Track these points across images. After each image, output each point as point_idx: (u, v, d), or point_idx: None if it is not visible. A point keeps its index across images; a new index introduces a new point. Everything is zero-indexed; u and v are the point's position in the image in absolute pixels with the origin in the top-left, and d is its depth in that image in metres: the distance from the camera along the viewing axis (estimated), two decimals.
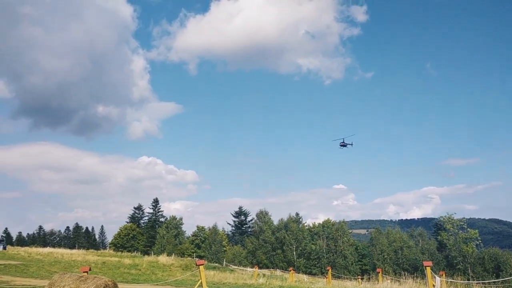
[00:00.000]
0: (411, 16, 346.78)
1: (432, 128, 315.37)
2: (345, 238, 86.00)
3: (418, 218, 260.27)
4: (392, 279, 27.59)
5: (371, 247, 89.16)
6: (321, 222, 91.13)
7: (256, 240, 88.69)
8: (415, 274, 27.49)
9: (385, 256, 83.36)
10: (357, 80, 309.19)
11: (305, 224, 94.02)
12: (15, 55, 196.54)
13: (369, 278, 32.92)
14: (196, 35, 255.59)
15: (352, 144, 70.57)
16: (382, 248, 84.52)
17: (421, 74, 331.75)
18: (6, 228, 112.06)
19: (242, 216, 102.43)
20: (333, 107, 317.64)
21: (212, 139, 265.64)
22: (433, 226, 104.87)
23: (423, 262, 14.70)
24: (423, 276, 18.28)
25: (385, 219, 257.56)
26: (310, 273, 71.59)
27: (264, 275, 36.75)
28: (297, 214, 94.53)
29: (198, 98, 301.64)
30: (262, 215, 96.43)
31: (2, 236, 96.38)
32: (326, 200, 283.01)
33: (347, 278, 45.36)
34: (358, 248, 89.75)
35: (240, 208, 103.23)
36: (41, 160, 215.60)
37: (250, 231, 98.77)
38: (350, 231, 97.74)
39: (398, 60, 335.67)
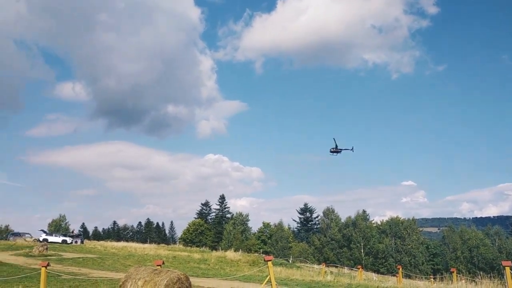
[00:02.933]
0: (486, 2, 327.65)
1: (509, 122, 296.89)
2: (415, 236, 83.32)
3: (494, 216, 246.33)
4: (467, 279, 26.33)
5: (443, 245, 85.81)
6: (390, 220, 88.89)
7: (323, 237, 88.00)
8: (491, 274, 26.08)
9: (459, 255, 79.90)
10: (428, 74, 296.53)
11: (373, 222, 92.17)
12: (92, 60, 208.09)
13: (442, 278, 31.65)
14: (262, 34, 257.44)
15: (352, 149, 64.86)
16: (455, 247, 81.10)
17: (496, 66, 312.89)
18: (83, 223, 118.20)
19: (308, 213, 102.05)
20: (401, 102, 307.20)
21: (277, 136, 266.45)
22: (510, 224, 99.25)
23: (502, 262, 13.86)
24: (501, 276, 17.31)
25: (458, 217, 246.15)
26: (378, 272, 69.99)
27: (331, 272, 36.38)
28: (364, 212, 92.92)
29: (263, 96, 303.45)
30: (329, 212, 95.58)
31: (79, 230, 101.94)
32: (394, 197, 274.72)
33: (418, 278, 43.91)
34: (429, 247, 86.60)
35: (305, 205, 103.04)
36: (115, 158, 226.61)
37: (316, 228, 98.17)
38: (420, 229, 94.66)
39: (472, 51, 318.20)
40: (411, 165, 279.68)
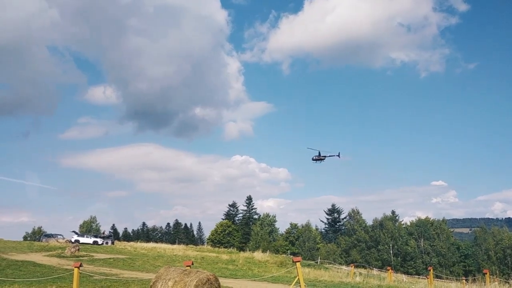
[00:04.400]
0: None
1: None
2: (446, 237, 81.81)
3: None
4: (500, 280, 25.72)
5: (475, 246, 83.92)
6: (419, 220, 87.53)
7: (350, 238, 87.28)
8: None
9: (491, 256, 78.05)
10: (459, 73, 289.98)
11: (402, 223, 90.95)
12: (122, 63, 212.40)
13: (474, 280, 30.99)
14: (289, 35, 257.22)
15: (339, 155, 63.58)
16: (488, 248, 79.23)
17: None
18: (114, 224, 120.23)
19: (335, 214, 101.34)
20: (430, 101, 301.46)
21: (303, 137, 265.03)
22: None
23: None
24: None
25: (491, 217, 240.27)
26: (407, 273, 68.93)
27: (360, 273, 36.04)
28: (393, 212, 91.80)
29: (290, 96, 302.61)
30: (354, 214, 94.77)
31: (110, 232, 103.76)
32: (424, 197, 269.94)
33: (449, 279, 43.08)
34: (461, 247, 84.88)
35: (333, 205, 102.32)
36: (144, 160, 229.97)
37: (344, 229, 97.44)
38: (451, 230, 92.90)
39: (503, 48, 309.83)
40: (441, 164, 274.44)
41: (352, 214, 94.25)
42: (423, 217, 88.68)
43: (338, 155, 64.15)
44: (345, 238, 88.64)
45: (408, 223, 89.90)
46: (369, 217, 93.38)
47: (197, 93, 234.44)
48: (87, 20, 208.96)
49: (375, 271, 53.24)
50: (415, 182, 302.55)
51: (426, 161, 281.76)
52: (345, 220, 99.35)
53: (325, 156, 63.29)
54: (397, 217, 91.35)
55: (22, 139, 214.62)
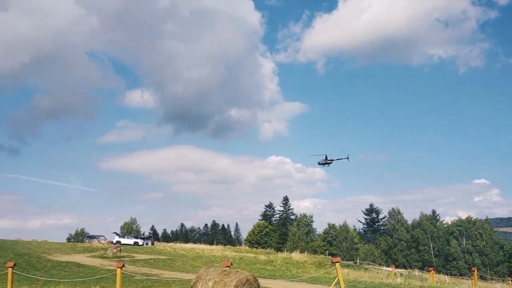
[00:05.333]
0: None
1: None
2: (489, 236, 79.30)
3: None
4: None
5: None
6: (460, 220, 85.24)
7: (390, 239, 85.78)
8: None
9: None
10: (500, 67, 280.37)
11: (443, 222, 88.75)
12: (159, 67, 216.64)
13: None
14: (323, 34, 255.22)
15: (348, 158, 62.72)
16: None
17: None
18: (153, 225, 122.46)
19: (374, 214, 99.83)
20: (470, 97, 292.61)
21: (338, 136, 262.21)
22: None
23: None
24: None
25: None
26: (449, 274, 67.22)
27: (401, 274, 35.37)
28: (433, 212, 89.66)
29: (325, 96, 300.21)
30: (394, 213, 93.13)
31: (149, 233, 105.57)
32: (465, 196, 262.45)
33: (494, 280, 41.77)
34: (505, 247, 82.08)
35: (371, 205, 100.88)
36: (181, 162, 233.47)
37: (383, 229, 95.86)
38: (495, 229, 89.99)
39: None
40: (482, 162, 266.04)
41: (392, 214, 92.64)
42: (464, 216, 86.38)
43: (347, 158, 63.82)
44: (385, 238, 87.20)
45: (449, 223, 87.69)
46: (408, 217, 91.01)
47: (232, 95, 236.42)
48: (125, 26, 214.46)
49: (416, 272, 52.18)
50: (456, 180, 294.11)
51: (467, 159, 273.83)
52: (384, 220, 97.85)
53: (332, 160, 63.46)
54: (437, 217, 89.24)
55: (65, 144, 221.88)
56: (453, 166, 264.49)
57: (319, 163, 64.25)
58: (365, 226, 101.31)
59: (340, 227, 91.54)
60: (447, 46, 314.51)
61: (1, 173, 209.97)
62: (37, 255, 34.26)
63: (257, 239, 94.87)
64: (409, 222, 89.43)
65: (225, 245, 78.97)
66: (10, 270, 15.31)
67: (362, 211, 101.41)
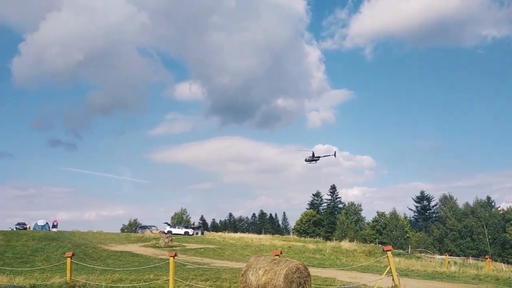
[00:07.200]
0: None
1: None
2: None
3: None
4: None
5: None
6: None
7: (442, 226, 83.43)
8: None
9: None
10: None
11: (499, 209, 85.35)
12: (205, 60, 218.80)
13: None
14: (371, 19, 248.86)
15: (335, 155, 64.92)
16: None
17: None
18: (202, 215, 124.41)
19: (425, 201, 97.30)
20: None
21: (387, 123, 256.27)
22: None
23: None
24: None
25: None
26: (506, 262, 64.72)
27: (455, 263, 34.41)
28: (488, 198, 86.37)
29: (371, 82, 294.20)
30: (446, 200, 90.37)
31: (199, 222, 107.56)
32: None
33: None
34: None
35: (422, 192, 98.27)
36: (229, 153, 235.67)
37: (435, 217, 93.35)
38: None
39: None
40: None
41: (445, 200, 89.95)
42: None
43: (334, 155, 66.25)
44: (437, 225, 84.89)
45: (505, 209, 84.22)
46: (461, 203, 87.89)
47: (278, 84, 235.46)
48: (173, 20, 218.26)
49: (471, 260, 50.63)
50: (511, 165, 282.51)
51: None
52: (435, 207, 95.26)
53: (319, 157, 63.87)
54: (492, 203, 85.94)
55: (118, 138, 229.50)
56: (508, 151, 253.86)
57: (306, 160, 64.73)
58: (416, 214, 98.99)
59: (390, 215, 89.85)
60: (502, 26, 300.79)
61: (58, 167, 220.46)
62: (93, 245, 35.68)
63: (305, 228, 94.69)
64: (461, 208, 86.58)
65: (273, 234, 79.33)
66: (69, 260, 15.96)
67: (413, 199, 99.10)
